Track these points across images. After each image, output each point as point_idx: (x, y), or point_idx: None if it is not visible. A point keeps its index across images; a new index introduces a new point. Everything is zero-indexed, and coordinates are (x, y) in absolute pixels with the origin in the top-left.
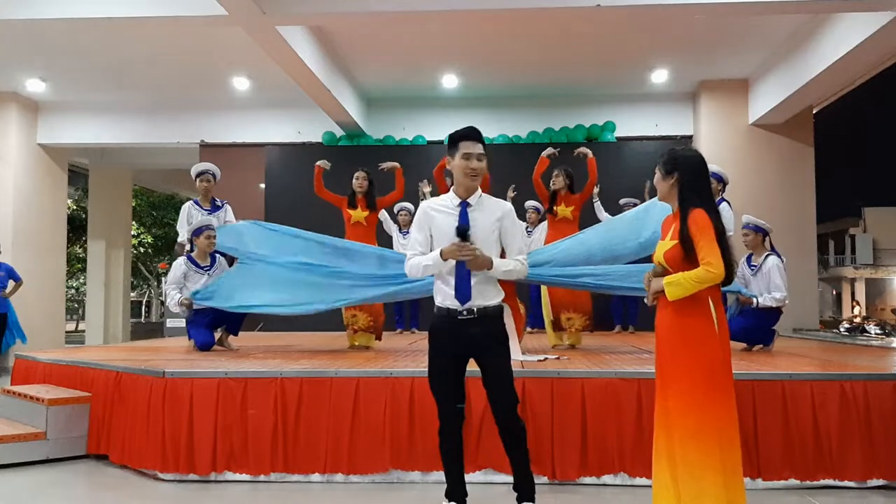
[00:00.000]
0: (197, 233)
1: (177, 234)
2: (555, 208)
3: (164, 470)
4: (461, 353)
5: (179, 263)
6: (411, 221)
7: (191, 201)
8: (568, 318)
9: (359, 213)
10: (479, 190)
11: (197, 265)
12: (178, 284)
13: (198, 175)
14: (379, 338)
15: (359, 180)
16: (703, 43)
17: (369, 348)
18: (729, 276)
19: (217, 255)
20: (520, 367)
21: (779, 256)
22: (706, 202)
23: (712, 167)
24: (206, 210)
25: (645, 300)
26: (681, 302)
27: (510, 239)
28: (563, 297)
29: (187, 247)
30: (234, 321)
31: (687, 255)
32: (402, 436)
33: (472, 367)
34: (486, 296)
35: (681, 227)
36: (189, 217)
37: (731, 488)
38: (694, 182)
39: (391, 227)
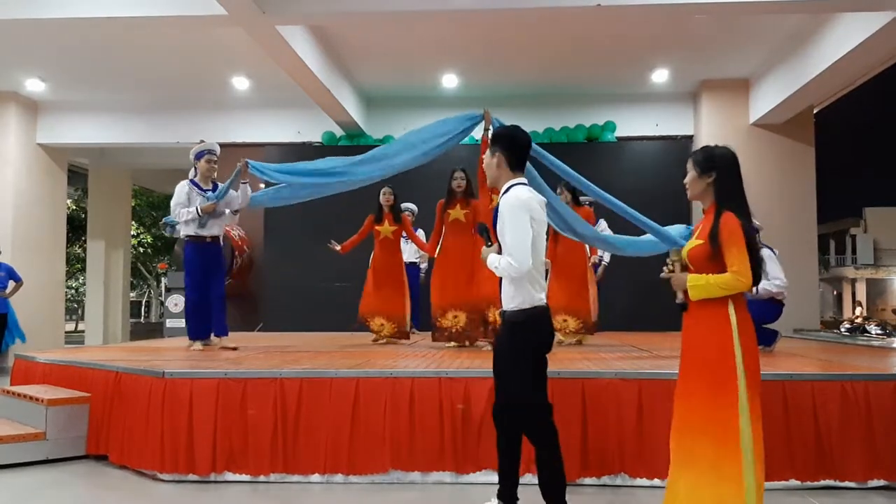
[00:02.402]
0: (198, 156)
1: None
2: None
3: (163, 470)
4: None
5: (183, 186)
6: (414, 222)
7: (187, 181)
8: (563, 319)
9: (386, 228)
10: (508, 184)
11: (200, 188)
12: (185, 205)
13: (205, 155)
14: (407, 336)
15: (385, 195)
16: (704, 43)
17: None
18: (754, 282)
19: (216, 182)
20: None
21: (770, 249)
22: (739, 204)
23: None
24: (207, 190)
25: (677, 300)
26: (701, 303)
27: (501, 234)
28: (560, 302)
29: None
30: (219, 323)
31: (713, 257)
32: (403, 436)
33: (465, 367)
34: (505, 299)
35: (712, 227)
36: (189, 200)
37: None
38: (729, 182)
39: None
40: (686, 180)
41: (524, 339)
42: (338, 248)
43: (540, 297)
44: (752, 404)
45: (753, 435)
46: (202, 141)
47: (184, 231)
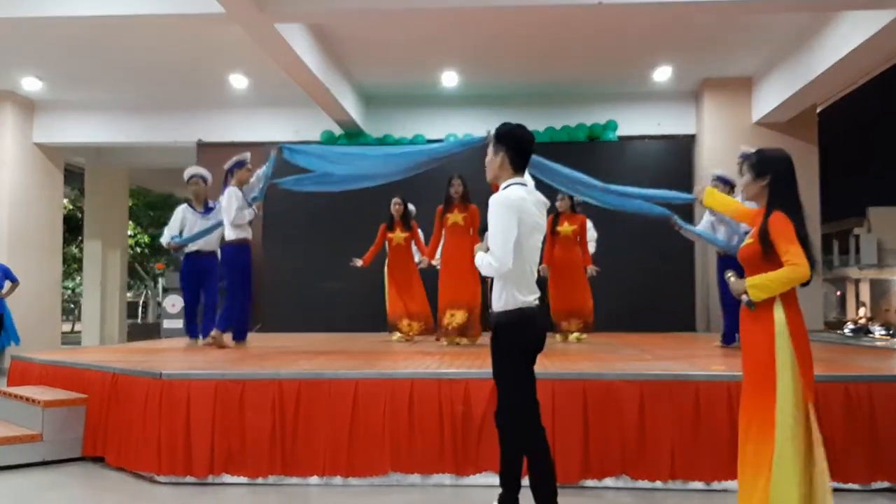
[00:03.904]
0: (239, 166)
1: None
2: (557, 228)
3: (160, 472)
4: None
5: (235, 191)
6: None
7: (185, 204)
8: (567, 322)
9: (398, 235)
10: (506, 183)
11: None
12: (243, 207)
13: (188, 179)
14: (433, 332)
15: (396, 206)
16: (707, 41)
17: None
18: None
19: (215, 203)
20: None
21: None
22: (791, 204)
23: (719, 171)
24: (199, 212)
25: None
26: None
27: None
28: (562, 305)
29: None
30: (207, 325)
31: (764, 255)
32: (402, 438)
33: (465, 368)
34: (493, 300)
35: (761, 226)
36: (183, 221)
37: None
38: (783, 184)
39: None
40: (741, 183)
41: (508, 340)
42: (359, 263)
43: (526, 300)
44: (794, 407)
45: (789, 438)
46: (200, 140)
47: (231, 235)
